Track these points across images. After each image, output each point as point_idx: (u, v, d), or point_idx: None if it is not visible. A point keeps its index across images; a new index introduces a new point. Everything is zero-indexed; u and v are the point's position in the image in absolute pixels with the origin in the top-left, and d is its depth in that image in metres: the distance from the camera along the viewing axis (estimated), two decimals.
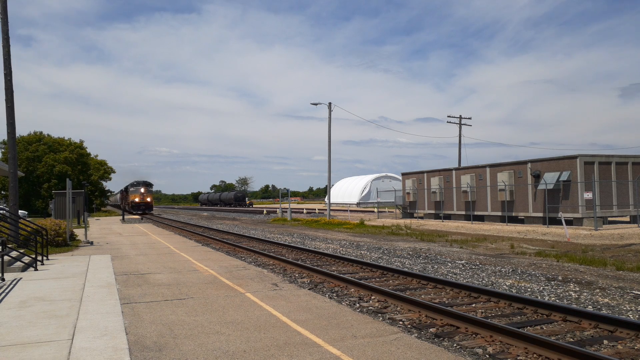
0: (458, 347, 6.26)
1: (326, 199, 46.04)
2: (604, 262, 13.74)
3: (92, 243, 20.05)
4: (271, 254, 15.95)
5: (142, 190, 61.17)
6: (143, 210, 60.04)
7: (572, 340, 6.55)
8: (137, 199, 60.35)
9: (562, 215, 22.83)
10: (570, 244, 19.52)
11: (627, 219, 27.14)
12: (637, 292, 9.61)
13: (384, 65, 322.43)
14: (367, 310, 8.29)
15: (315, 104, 39.85)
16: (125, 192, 69.00)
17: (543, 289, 10.12)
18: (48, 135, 62.50)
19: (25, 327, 6.80)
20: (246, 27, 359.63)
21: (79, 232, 24.40)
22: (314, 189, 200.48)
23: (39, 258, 13.30)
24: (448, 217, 33.09)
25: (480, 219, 30.24)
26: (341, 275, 11.34)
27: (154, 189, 66.14)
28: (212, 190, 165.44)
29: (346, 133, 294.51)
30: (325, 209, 46.35)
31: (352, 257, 14.85)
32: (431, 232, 25.97)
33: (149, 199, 62.03)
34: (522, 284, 10.66)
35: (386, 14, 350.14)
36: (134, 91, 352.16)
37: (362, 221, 34.53)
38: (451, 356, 5.58)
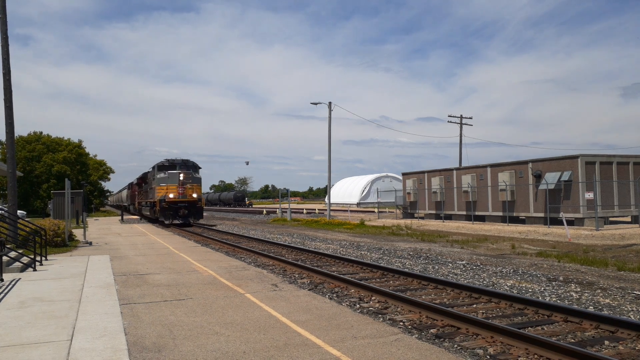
0: (459, 347, 6.23)
1: (326, 199, 46.00)
2: (606, 263, 13.70)
3: (90, 243, 20.02)
4: (271, 254, 15.92)
5: (182, 176, 32.12)
6: (185, 218, 32.45)
7: (573, 340, 6.51)
8: (172, 194, 31.89)
9: (563, 215, 22.79)
10: (572, 244, 19.48)
11: (629, 219, 27.10)
12: (638, 293, 9.57)
13: (384, 64, 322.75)
14: (367, 311, 8.25)
15: (315, 104, 39.87)
16: (140, 184, 43.55)
17: (544, 289, 10.08)
18: (47, 135, 62.52)
19: (24, 328, 6.76)
20: (245, 26, 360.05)
21: (78, 233, 24.36)
22: (314, 189, 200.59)
23: (38, 258, 13.26)
24: (449, 217, 33.06)
25: (481, 219, 30.21)
26: (341, 275, 11.31)
27: None
28: (212, 190, 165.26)
29: (346, 133, 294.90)
30: (325, 209, 46.33)
31: (353, 258, 14.81)
32: (432, 233, 25.93)
33: (195, 195, 32.71)
34: (523, 285, 10.62)
35: (386, 13, 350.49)
36: (133, 91, 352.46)
37: (362, 221, 34.49)
38: (452, 357, 5.54)
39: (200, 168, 35.15)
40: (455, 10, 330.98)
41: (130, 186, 53.51)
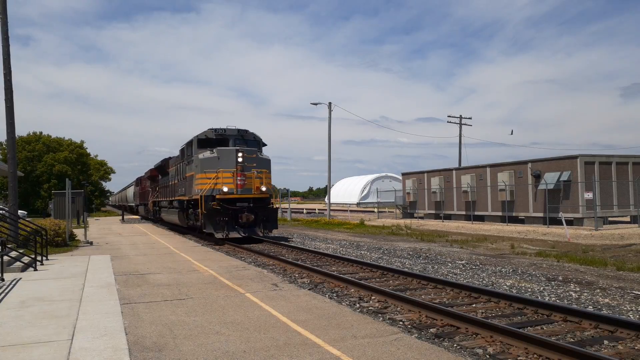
0: (458, 347, 6.25)
1: (326, 199, 46.02)
2: (605, 262, 13.72)
3: (91, 243, 20.03)
4: (271, 254, 15.93)
5: (242, 156, 19.25)
6: (251, 228, 19.61)
7: (572, 340, 6.53)
8: (226, 187, 18.97)
9: (562, 215, 22.81)
10: (571, 244, 19.50)
11: (628, 219, 27.14)
12: (637, 292, 9.59)
13: (384, 64, 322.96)
14: (367, 310, 8.27)
15: (315, 104, 39.87)
16: (154, 178, 32.25)
17: (543, 289, 10.10)
18: (47, 135, 62.52)
19: (24, 328, 6.78)
20: (245, 27, 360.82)
21: (79, 232, 24.37)
22: (314, 189, 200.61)
23: (39, 258, 13.28)
24: (448, 217, 33.07)
25: (481, 219, 30.22)
26: (341, 275, 11.33)
27: None
28: None
29: (346, 133, 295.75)
30: (325, 209, 46.33)
31: (352, 257, 14.83)
32: (431, 232, 25.95)
33: (264, 188, 19.79)
34: (523, 284, 10.64)
35: (385, 13, 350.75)
36: (133, 91, 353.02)
37: (362, 221, 34.51)
38: (451, 356, 5.56)
39: (265, 145, 21.81)
40: (455, 10, 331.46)
41: (139, 182, 40.34)
